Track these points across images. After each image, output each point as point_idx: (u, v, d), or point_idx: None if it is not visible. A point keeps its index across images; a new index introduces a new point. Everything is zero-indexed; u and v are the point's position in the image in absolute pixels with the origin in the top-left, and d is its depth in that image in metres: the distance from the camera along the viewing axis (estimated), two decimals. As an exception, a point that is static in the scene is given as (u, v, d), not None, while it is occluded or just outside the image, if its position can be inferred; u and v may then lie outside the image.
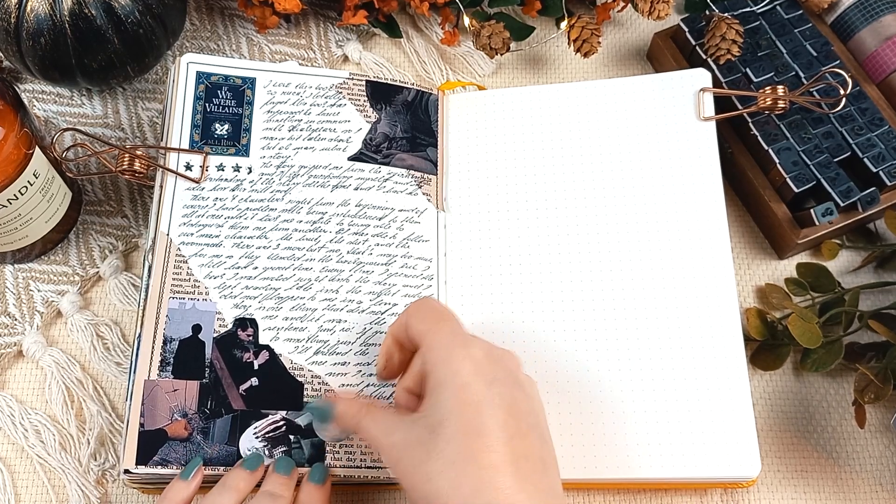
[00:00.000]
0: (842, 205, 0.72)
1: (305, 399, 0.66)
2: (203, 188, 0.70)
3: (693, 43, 0.80)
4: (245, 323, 0.67)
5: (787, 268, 0.77)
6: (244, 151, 0.72)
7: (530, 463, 0.53)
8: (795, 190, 0.73)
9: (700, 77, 0.76)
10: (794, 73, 0.78)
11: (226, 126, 0.73)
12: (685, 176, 0.73)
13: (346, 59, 0.86)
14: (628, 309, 0.69)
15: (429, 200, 0.73)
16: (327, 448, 0.64)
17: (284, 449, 0.64)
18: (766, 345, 0.73)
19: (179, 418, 0.64)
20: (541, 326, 0.69)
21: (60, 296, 0.74)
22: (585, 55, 0.80)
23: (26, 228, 0.70)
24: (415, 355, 0.60)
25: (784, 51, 0.79)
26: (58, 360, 0.71)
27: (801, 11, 0.80)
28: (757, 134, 0.75)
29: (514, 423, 0.54)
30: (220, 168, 0.71)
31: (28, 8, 0.69)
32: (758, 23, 0.80)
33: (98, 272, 0.75)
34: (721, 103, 0.76)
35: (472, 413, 0.53)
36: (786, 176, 0.73)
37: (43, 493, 0.68)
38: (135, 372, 0.64)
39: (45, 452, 0.69)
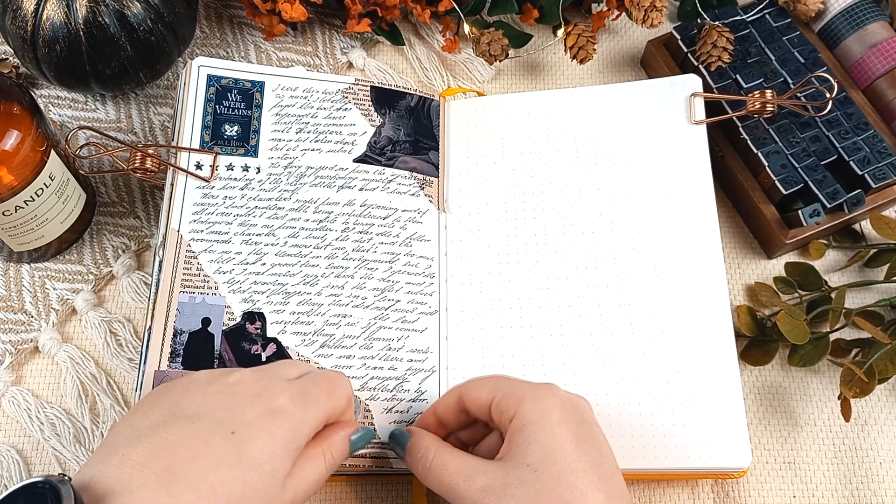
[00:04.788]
0: (828, 206, 0.73)
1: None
2: (213, 187, 0.71)
3: (685, 50, 0.81)
4: (253, 316, 0.68)
5: (775, 267, 0.78)
6: (253, 152, 0.73)
7: (627, 502, 0.56)
8: (784, 192, 0.74)
9: (691, 82, 0.77)
10: (782, 79, 0.78)
11: (235, 127, 0.73)
12: (677, 178, 0.73)
13: (350, 65, 0.86)
14: (623, 306, 0.70)
15: (430, 201, 0.74)
16: None
17: None
18: (756, 341, 0.73)
19: None
20: (537, 322, 0.70)
21: (75, 294, 0.74)
22: (581, 62, 0.81)
23: (42, 229, 0.70)
24: (450, 391, 0.62)
25: (773, 58, 0.79)
26: (72, 355, 0.72)
27: (789, 20, 0.81)
28: (746, 138, 0.76)
29: (608, 462, 0.56)
30: (230, 168, 0.72)
31: (44, 16, 0.70)
32: (747, 31, 0.81)
33: (111, 271, 0.76)
34: (712, 108, 0.77)
35: (573, 451, 0.55)
36: (774, 178, 0.74)
37: (57, 484, 0.69)
38: (145, 363, 0.65)
39: (60, 445, 0.69)
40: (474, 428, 0.63)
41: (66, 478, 0.47)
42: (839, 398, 0.69)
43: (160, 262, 0.68)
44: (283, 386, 0.55)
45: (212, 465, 0.50)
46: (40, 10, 0.71)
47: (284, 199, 0.72)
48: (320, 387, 0.57)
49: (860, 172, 0.75)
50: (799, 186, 0.74)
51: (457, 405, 0.62)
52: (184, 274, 0.68)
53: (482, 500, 0.55)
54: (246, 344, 0.67)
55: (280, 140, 0.74)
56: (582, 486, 0.54)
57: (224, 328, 0.67)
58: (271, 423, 0.53)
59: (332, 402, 0.57)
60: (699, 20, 0.82)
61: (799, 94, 0.77)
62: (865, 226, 0.80)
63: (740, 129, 0.77)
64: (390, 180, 0.74)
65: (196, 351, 0.66)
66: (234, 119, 0.74)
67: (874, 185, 0.74)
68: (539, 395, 0.57)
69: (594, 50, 0.81)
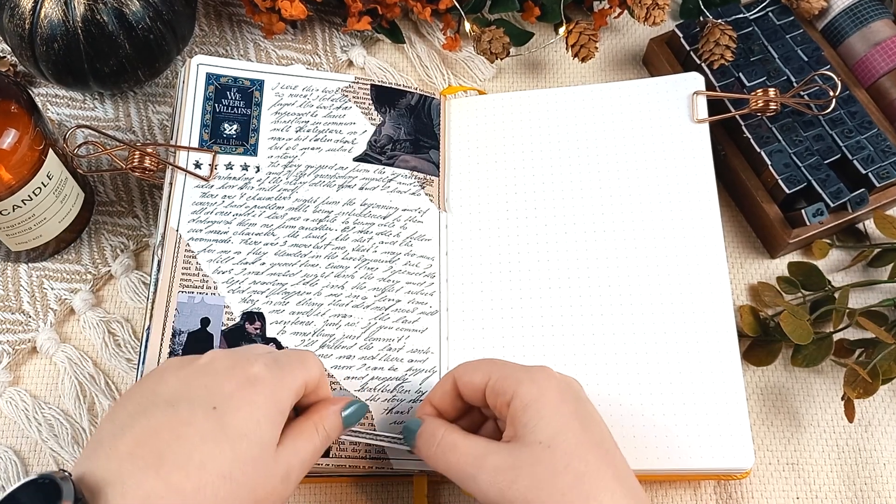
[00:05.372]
0: (832, 205, 0.73)
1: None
2: (212, 186, 0.71)
3: (687, 48, 0.80)
4: (253, 316, 0.67)
5: (779, 266, 0.78)
6: (252, 151, 0.73)
7: (631, 479, 0.56)
8: (787, 191, 0.73)
9: (694, 81, 0.76)
10: (785, 77, 0.78)
11: (234, 126, 0.73)
12: (680, 177, 0.73)
13: (350, 63, 0.86)
14: (625, 306, 0.70)
15: (431, 201, 0.74)
16: None
17: None
18: (759, 341, 0.73)
19: None
20: (538, 322, 0.70)
21: (73, 294, 0.74)
22: (583, 60, 0.81)
23: (40, 228, 0.70)
24: (444, 378, 0.62)
25: (776, 56, 0.79)
26: (70, 356, 0.72)
27: (792, 18, 0.81)
28: (749, 136, 0.76)
29: (609, 438, 0.57)
30: (229, 167, 0.72)
31: (42, 14, 0.70)
32: (750, 28, 0.80)
33: (109, 271, 0.75)
34: (714, 106, 0.77)
35: (579, 427, 0.55)
36: (777, 177, 0.74)
37: (55, 485, 0.69)
38: (144, 363, 0.65)
39: (58, 446, 0.69)
40: (471, 416, 0.63)
41: (67, 473, 0.47)
42: (843, 399, 0.68)
43: (159, 262, 0.68)
44: (255, 357, 0.56)
45: (196, 441, 0.50)
46: (38, 7, 0.70)
47: (284, 198, 0.72)
48: (291, 357, 0.57)
49: (864, 171, 0.74)
50: (802, 185, 0.74)
51: (452, 391, 0.62)
52: (183, 273, 0.68)
53: (495, 480, 0.54)
54: (245, 344, 0.66)
55: (279, 139, 0.74)
56: (593, 461, 0.54)
57: (223, 328, 0.67)
58: (250, 392, 0.53)
59: (305, 370, 0.57)
60: (701, 18, 0.81)
61: (802, 93, 0.77)
62: (869, 225, 0.79)
63: (743, 127, 0.76)
64: (391, 179, 0.74)
65: (195, 351, 0.66)
66: (234, 118, 0.73)
67: (878, 184, 0.74)
68: (535, 377, 0.57)
69: (596, 48, 0.81)
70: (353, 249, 0.71)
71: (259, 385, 0.54)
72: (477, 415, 0.63)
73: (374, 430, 0.65)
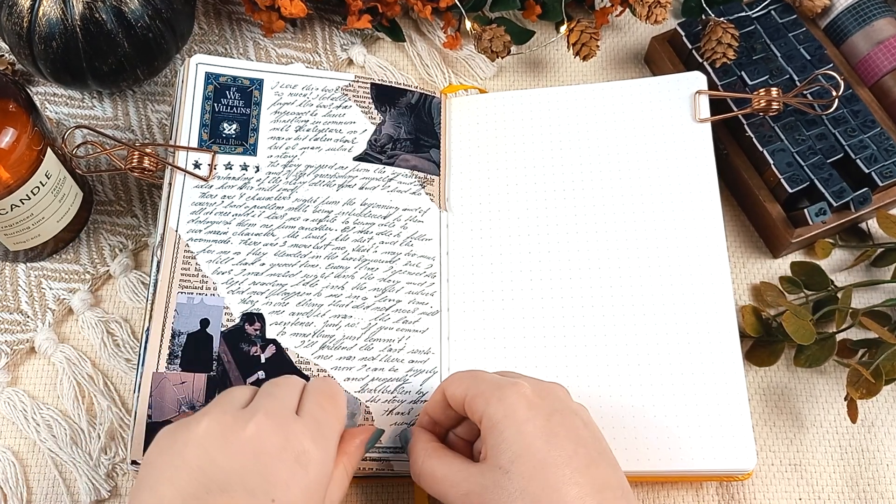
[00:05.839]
0: (835, 205, 0.73)
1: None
2: (211, 186, 0.71)
3: (689, 47, 0.80)
4: (252, 317, 0.67)
5: (781, 266, 0.77)
6: (252, 151, 0.72)
7: (611, 491, 0.54)
8: (789, 190, 0.73)
9: (696, 80, 0.76)
10: (788, 76, 0.78)
11: (234, 126, 0.73)
12: (682, 176, 0.73)
13: (350, 62, 0.86)
14: (626, 306, 0.69)
15: (432, 200, 0.74)
16: None
17: None
18: (762, 341, 0.73)
19: (187, 410, 0.64)
20: (540, 323, 0.70)
21: (71, 294, 0.74)
22: (584, 59, 0.81)
23: (38, 228, 0.70)
24: (437, 388, 0.62)
25: (778, 54, 0.79)
26: (69, 356, 0.72)
27: (794, 16, 0.81)
28: (752, 135, 0.75)
29: (584, 451, 0.55)
30: (228, 167, 0.71)
31: (40, 13, 0.70)
32: (753, 27, 0.80)
33: (108, 270, 0.75)
34: (717, 105, 0.77)
35: (541, 447, 0.54)
36: (780, 176, 0.74)
37: (54, 487, 0.68)
38: (143, 365, 0.64)
39: (56, 447, 0.69)
40: (470, 422, 0.63)
41: None
42: (845, 399, 0.68)
43: (158, 263, 0.68)
44: (300, 428, 0.55)
45: None
46: (36, 6, 0.70)
47: (284, 198, 0.71)
48: (327, 410, 0.57)
49: (867, 170, 0.74)
50: (805, 185, 0.74)
51: (443, 401, 0.61)
52: (182, 274, 0.68)
53: None
54: (245, 345, 0.66)
55: (279, 138, 0.73)
56: (554, 482, 0.53)
57: (223, 329, 0.67)
58: (303, 475, 0.54)
59: (340, 420, 0.59)
60: (704, 16, 0.81)
61: (805, 92, 0.76)
62: (872, 224, 0.79)
63: (745, 126, 0.76)
64: (391, 179, 0.73)
65: (194, 352, 0.66)
66: (233, 117, 0.73)
67: (881, 184, 0.74)
68: (503, 395, 0.56)
69: (597, 46, 0.81)
70: (354, 249, 0.70)
71: (311, 465, 0.54)
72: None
73: (382, 429, 0.65)
